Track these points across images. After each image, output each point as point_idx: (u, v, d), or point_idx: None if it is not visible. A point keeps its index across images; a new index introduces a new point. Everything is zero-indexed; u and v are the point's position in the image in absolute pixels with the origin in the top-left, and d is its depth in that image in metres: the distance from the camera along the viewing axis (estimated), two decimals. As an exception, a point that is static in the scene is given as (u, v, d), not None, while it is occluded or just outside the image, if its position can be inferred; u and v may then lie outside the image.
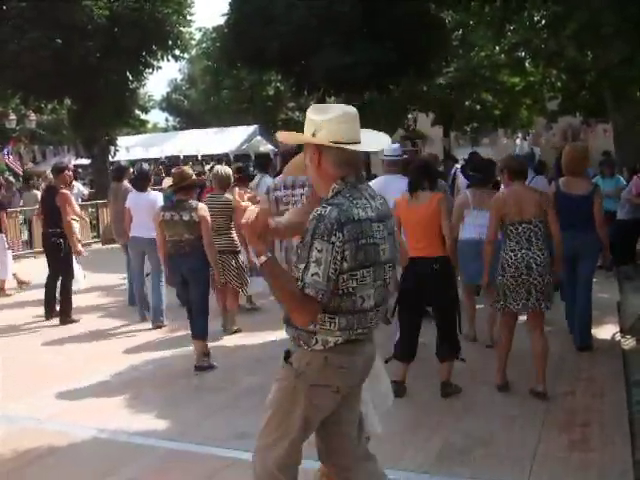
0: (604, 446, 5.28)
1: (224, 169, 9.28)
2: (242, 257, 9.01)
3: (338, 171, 3.33)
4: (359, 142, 3.37)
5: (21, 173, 25.87)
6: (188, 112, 51.72)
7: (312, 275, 3.12)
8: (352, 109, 3.42)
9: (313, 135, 3.36)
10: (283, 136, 3.57)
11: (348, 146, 3.30)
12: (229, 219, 8.75)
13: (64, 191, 10.24)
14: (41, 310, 10.54)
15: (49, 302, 10.49)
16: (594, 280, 7.97)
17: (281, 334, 4.47)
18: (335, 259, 3.13)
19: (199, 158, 26.49)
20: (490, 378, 6.78)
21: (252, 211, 3.34)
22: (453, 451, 5.26)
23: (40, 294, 10.76)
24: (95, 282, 12.52)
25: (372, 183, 8.41)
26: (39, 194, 14.54)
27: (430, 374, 6.73)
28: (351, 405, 3.56)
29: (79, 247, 10.30)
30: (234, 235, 8.84)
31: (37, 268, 14.12)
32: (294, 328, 3.36)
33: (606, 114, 20.23)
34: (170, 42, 25.59)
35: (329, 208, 3.19)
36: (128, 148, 28.01)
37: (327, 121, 3.33)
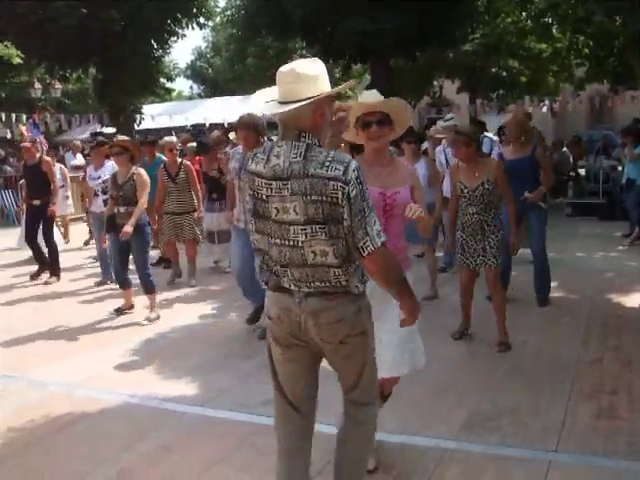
0: (632, 414, 5.26)
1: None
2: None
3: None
4: (281, 102, 3.27)
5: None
6: (213, 80, 51.45)
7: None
8: (284, 67, 3.28)
9: None
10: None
11: (264, 107, 3.40)
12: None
13: None
14: (70, 275, 11.17)
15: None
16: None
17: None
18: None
19: (225, 126, 26.32)
20: (517, 345, 6.79)
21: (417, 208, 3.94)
22: (480, 418, 5.26)
23: (69, 260, 11.13)
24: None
25: None
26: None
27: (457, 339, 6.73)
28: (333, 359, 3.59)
29: None
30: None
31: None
32: None
33: (634, 81, 19.95)
34: (194, 10, 25.49)
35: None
36: (153, 116, 27.90)
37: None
